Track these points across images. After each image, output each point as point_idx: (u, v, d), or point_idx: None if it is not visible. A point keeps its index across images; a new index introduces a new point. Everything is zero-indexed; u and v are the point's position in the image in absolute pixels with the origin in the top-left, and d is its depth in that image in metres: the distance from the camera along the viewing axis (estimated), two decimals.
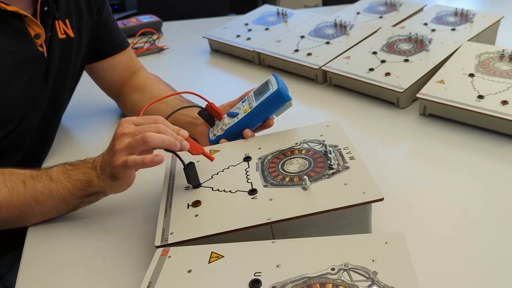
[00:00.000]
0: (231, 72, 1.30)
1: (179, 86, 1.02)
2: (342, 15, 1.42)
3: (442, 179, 0.75)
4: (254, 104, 0.74)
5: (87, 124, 1.04)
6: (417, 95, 0.92)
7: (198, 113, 0.80)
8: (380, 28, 1.21)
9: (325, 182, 0.60)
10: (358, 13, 1.42)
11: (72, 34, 0.86)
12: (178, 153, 0.64)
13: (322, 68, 1.11)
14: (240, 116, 0.75)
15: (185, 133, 0.66)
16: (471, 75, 0.93)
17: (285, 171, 0.64)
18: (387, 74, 1.00)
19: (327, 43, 1.20)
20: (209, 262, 0.51)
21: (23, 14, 0.75)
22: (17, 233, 0.71)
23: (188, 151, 0.65)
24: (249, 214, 0.58)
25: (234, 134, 0.76)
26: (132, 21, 1.63)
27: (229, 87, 1.20)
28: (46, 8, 0.79)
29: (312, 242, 0.51)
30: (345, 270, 0.46)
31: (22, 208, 0.67)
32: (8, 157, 0.83)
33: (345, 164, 0.63)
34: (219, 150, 0.72)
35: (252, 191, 0.61)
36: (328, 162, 0.63)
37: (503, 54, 0.97)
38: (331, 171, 0.62)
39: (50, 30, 0.81)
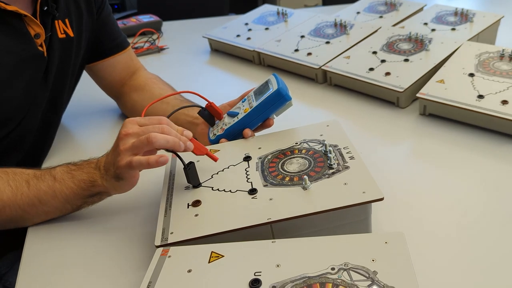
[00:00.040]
0: (231, 72, 1.30)
1: (179, 86, 1.02)
2: (342, 14, 1.42)
3: (442, 178, 0.75)
4: (254, 103, 0.74)
5: (87, 124, 1.04)
6: (417, 95, 0.92)
7: (198, 113, 0.80)
8: (380, 27, 1.20)
9: (325, 182, 0.60)
10: (358, 12, 1.42)
11: (71, 34, 0.86)
12: (179, 153, 0.64)
13: (322, 67, 1.11)
14: (240, 116, 0.75)
15: (189, 134, 0.66)
16: (471, 74, 0.93)
17: (285, 170, 0.64)
18: (387, 73, 1.00)
19: (327, 42, 1.20)
20: (209, 262, 0.51)
21: (23, 14, 0.75)
22: (17, 233, 0.71)
23: (192, 151, 0.65)
24: (249, 213, 0.58)
25: (234, 133, 0.76)
26: (132, 21, 1.63)
27: (229, 87, 1.20)
28: (45, 8, 0.79)
29: (312, 241, 0.51)
30: (345, 269, 0.46)
31: (25, 208, 0.67)
32: (8, 157, 0.83)
33: (345, 164, 0.63)
34: (219, 150, 0.72)
35: (252, 191, 0.61)
36: (328, 161, 0.63)
37: (503, 54, 0.97)
38: (331, 171, 0.62)
39: (50, 30, 0.81)
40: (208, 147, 0.73)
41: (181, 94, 0.91)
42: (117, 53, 0.99)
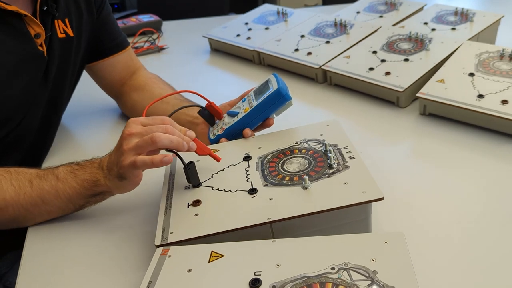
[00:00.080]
0: (231, 72, 1.30)
1: (179, 86, 1.02)
2: (342, 14, 1.42)
3: (442, 178, 0.75)
4: (254, 103, 0.74)
5: (87, 124, 1.04)
6: (417, 95, 0.92)
7: (198, 113, 0.80)
8: (380, 27, 1.20)
9: (325, 182, 0.60)
10: (358, 12, 1.42)
11: (71, 34, 0.86)
12: (179, 152, 0.64)
13: (322, 67, 1.11)
14: (240, 116, 0.76)
15: (192, 134, 0.66)
16: (471, 74, 0.93)
17: (285, 170, 0.64)
18: (387, 73, 1.00)
19: (327, 42, 1.20)
20: (209, 262, 0.51)
21: (23, 14, 0.75)
22: (17, 232, 0.71)
23: (195, 151, 0.65)
24: (249, 213, 0.58)
25: (234, 133, 0.76)
26: (132, 21, 1.63)
27: (229, 87, 1.20)
28: (45, 8, 0.79)
29: (312, 241, 0.51)
30: (345, 269, 0.46)
31: (28, 208, 0.67)
32: (8, 156, 0.83)
33: (345, 164, 0.63)
34: (219, 150, 0.72)
35: (252, 191, 0.61)
36: (328, 161, 0.63)
37: (503, 54, 0.97)
38: (331, 171, 0.62)
39: (50, 30, 0.81)
40: (208, 147, 0.73)
41: (181, 93, 0.91)
42: (117, 52, 0.99)
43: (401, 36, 1.13)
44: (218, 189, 0.64)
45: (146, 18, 1.66)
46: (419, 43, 1.08)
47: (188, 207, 0.61)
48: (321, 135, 0.71)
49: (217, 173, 0.67)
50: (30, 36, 0.77)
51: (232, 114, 0.77)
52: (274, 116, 0.76)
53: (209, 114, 0.80)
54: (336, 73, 1.07)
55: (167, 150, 0.63)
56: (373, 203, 0.57)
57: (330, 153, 0.64)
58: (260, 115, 0.75)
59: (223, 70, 1.32)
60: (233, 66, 1.32)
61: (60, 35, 0.84)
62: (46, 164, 0.89)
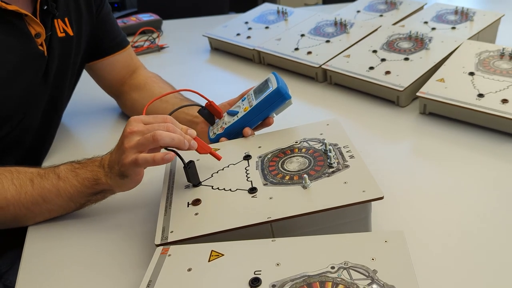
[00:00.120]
0: (231, 71, 1.30)
1: (179, 85, 1.02)
2: (342, 13, 1.42)
3: (442, 177, 0.75)
4: (254, 102, 0.74)
5: (87, 123, 1.04)
6: (417, 94, 0.92)
7: (198, 112, 0.80)
8: (380, 26, 1.20)
9: (325, 181, 0.60)
10: (358, 11, 1.42)
11: (71, 33, 0.86)
12: (179, 151, 0.64)
13: (322, 66, 1.11)
14: (240, 115, 0.75)
15: (193, 132, 0.66)
16: (471, 73, 0.93)
17: (285, 169, 0.64)
18: (387, 72, 1.00)
19: (327, 41, 1.20)
20: (209, 261, 0.51)
21: (23, 13, 0.75)
22: (18, 231, 0.71)
23: (196, 150, 0.65)
24: (249, 212, 0.58)
25: (234, 132, 0.76)
26: (132, 20, 1.63)
27: (229, 86, 1.20)
28: (45, 7, 0.79)
29: (312, 240, 0.51)
30: (344, 268, 0.46)
31: (29, 206, 0.67)
32: (8, 155, 0.83)
33: (345, 163, 0.63)
34: (219, 149, 0.72)
35: (252, 190, 0.61)
36: (328, 160, 0.63)
37: (503, 53, 0.97)
38: (331, 170, 0.62)
39: (50, 29, 0.81)
40: (209, 146, 0.73)
41: (181, 92, 0.91)
42: (117, 51, 0.99)
43: (401, 35, 1.13)
44: (218, 188, 0.64)
45: (146, 17, 1.66)
46: (419, 42, 1.08)
47: (188, 206, 0.61)
48: (321, 134, 0.71)
49: (217, 172, 0.67)
50: (31, 35, 0.77)
51: (232, 113, 0.77)
52: (274, 115, 0.76)
53: (209, 113, 0.80)
54: (336, 72, 1.07)
55: (167, 148, 0.63)
56: (373, 202, 0.57)
57: (330, 152, 0.64)
58: (260, 114, 0.75)
59: (223, 69, 1.32)
60: (233, 65, 1.32)
61: (60, 34, 0.84)
62: (47, 163, 0.89)
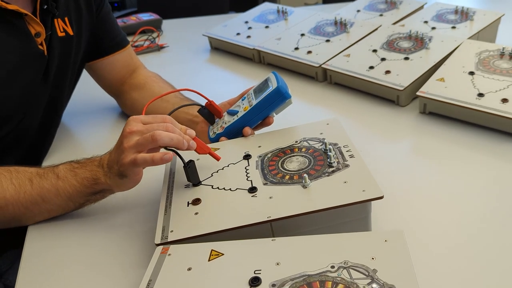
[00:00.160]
0: (231, 70, 1.30)
1: (179, 84, 1.02)
2: (342, 13, 1.42)
3: (442, 177, 0.75)
4: (254, 102, 0.74)
5: (87, 122, 1.04)
6: (417, 93, 0.92)
7: (198, 111, 0.80)
8: (380, 26, 1.20)
9: (325, 180, 0.60)
10: (358, 11, 1.42)
11: (71, 32, 0.86)
12: (179, 151, 0.64)
13: (322, 66, 1.11)
14: (240, 114, 0.75)
15: (192, 133, 0.66)
16: (471, 73, 0.93)
17: (285, 169, 0.64)
18: (387, 72, 1.00)
19: (327, 41, 1.19)
20: (209, 260, 0.51)
21: (23, 13, 0.75)
22: (18, 231, 0.71)
23: (195, 150, 0.66)
24: (249, 212, 0.58)
25: (234, 132, 0.76)
26: (132, 19, 1.63)
27: (229, 85, 1.20)
28: (45, 7, 0.79)
29: (311, 240, 0.51)
30: (344, 268, 0.46)
31: (28, 206, 0.67)
32: (8, 155, 0.83)
33: (345, 162, 0.63)
34: (219, 148, 0.72)
35: (252, 189, 0.61)
36: (328, 160, 0.63)
37: (503, 52, 0.96)
38: (331, 169, 0.62)
39: (50, 29, 0.81)
40: (208, 146, 0.73)
41: (181, 92, 0.91)
42: (117, 51, 0.99)
43: (401, 35, 1.13)
44: (218, 187, 0.64)
45: (146, 16, 1.66)
46: (419, 42, 1.08)
47: (188, 205, 0.61)
48: (321, 133, 0.71)
49: (217, 171, 0.67)
50: (31, 35, 0.77)
51: (232, 113, 0.77)
52: (274, 114, 0.76)
53: (209, 112, 0.80)
54: (336, 72, 1.07)
55: (167, 148, 0.63)
56: (373, 202, 0.57)
57: (330, 151, 0.64)
58: (260, 114, 0.75)
59: (223, 69, 1.32)
60: (233, 65, 1.32)
61: (60, 34, 0.84)
62: (47, 162, 0.89)
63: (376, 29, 1.19)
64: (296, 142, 0.70)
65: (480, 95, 0.86)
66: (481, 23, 1.19)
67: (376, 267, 0.46)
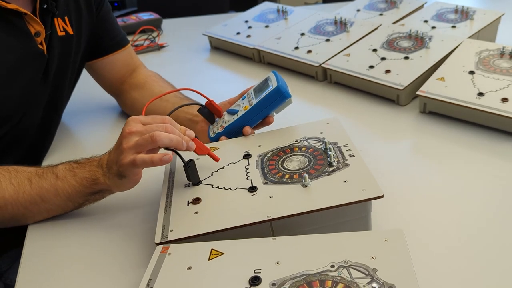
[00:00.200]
0: (231, 70, 1.30)
1: (179, 84, 1.02)
2: (342, 12, 1.42)
3: (442, 176, 0.75)
4: (254, 101, 0.74)
5: (87, 122, 1.04)
6: (417, 93, 0.92)
7: (198, 111, 0.80)
8: (380, 25, 1.20)
9: (325, 180, 0.60)
10: (358, 10, 1.42)
11: (71, 32, 0.86)
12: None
13: (322, 65, 1.11)
14: (240, 114, 0.75)
15: (192, 133, 0.66)
16: (471, 72, 0.93)
17: (285, 168, 0.64)
18: (387, 71, 1.00)
19: (327, 40, 1.19)
20: (209, 259, 0.51)
21: (23, 12, 0.75)
22: (18, 230, 0.71)
23: (194, 151, 0.66)
24: (249, 211, 0.58)
25: (234, 131, 0.76)
26: (132, 19, 1.63)
27: (229, 85, 1.20)
28: (45, 6, 0.79)
29: (311, 239, 0.51)
30: (344, 267, 0.46)
31: (27, 206, 0.67)
32: (8, 154, 0.83)
33: (345, 162, 0.63)
34: (219, 148, 0.72)
35: (252, 189, 0.61)
36: (328, 159, 0.63)
37: (504, 52, 0.96)
38: (331, 169, 0.62)
39: (50, 28, 0.81)
40: (208, 145, 0.73)
41: (181, 91, 0.91)
42: (117, 50, 0.99)
43: (401, 34, 1.13)
44: (218, 187, 0.64)
45: (146, 16, 1.66)
46: (419, 41, 1.08)
47: (188, 205, 0.61)
48: (321, 133, 0.71)
49: (217, 171, 0.67)
50: (30, 34, 0.77)
51: (232, 112, 0.77)
52: (274, 114, 0.76)
53: (209, 112, 0.80)
54: (336, 71, 1.07)
55: (166, 148, 0.63)
56: (372, 201, 0.57)
57: (330, 151, 0.64)
58: (260, 113, 0.75)
59: (223, 68, 1.32)
60: (233, 64, 1.32)
61: (60, 33, 0.84)
62: (47, 162, 0.89)
63: (376, 28, 1.19)
64: (296, 141, 0.70)
65: (480, 94, 0.86)
66: (481, 23, 1.19)
67: (376, 266, 0.46)
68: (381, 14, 1.37)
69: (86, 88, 1.07)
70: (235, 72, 1.28)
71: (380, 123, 0.93)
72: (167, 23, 1.71)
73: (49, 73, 0.83)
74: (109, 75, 1.01)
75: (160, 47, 1.48)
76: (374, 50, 1.09)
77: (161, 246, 0.56)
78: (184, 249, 0.54)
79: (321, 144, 0.68)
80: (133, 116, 0.65)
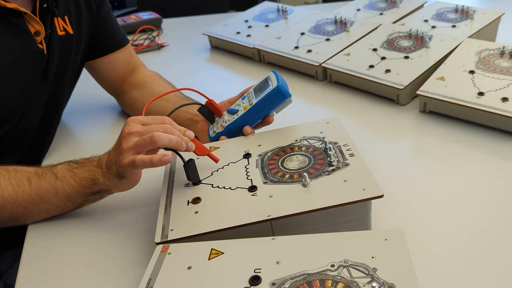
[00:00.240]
0: (231, 69, 1.30)
1: (179, 83, 1.02)
2: (342, 11, 1.42)
3: (442, 176, 0.75)
4: (254, 101, 0.74)
5: (87, 121, 1.04)
6: (417, 92, 0.92)
7: (198, 110, 0.80)
8: (380, 25, 1.20)
9: (325, 179, 0.60)
10: (358, 9, 1.42)
11: (71, 31, 0.86)
12: None
13: (322, 65, 1.10)
14: (240, 113, 0.75)
15: (191, 134, 0.66)
16: (472, 72, 0.93)
17: (285, 168, 0.64)
18: (387, 71, 1.00)
19: (327, 40, 1.19)
20: (209, 259, 0.51)
21: (23, 11, 0.75)
22: (18, 230, 0.71)
23: (194, 152, 0.65)
24: (249, 211, 0.58)
25: (234, 131, 0.76)
26: (132, 18, 1.63)
27: (229, 84, 1.20)
28: (45, 5, 0.79)
29: (311, 238, 0.51)
30: (344, 266, 0.46)
31: (26, 206, 0.67)
32: (8, 154, 0.83)
33: (345, 161, 0.63)
34: (219, 147, 0.72)
35: (252, 188, 0.61)
36: (328, 159, 0.63)
37: (504, 51, 0.96)
38: (331, 168, 0.62)
39: (50, 27, 0.81)
40: (208, 145, 0.73)
41: (181, 91, 0.91)
42: (117, 50, 0.99)
43: (401, 34, 1.13)
44: (218, 186, 0.64)
45: (146, 15, 1.66)
46: (419, 41, 1.08)
47: (188, 204, 0.61)
48: (321, 132, 0.71)
49: (217, 170, 0.67)
50: (30, 34, 0.77)
51: (232, 112, 0.77)
52: (274, 113, 0.76)
53: (209, 111, 0.80)
54: (336, 71, 1.07)
55: (166, 149, 0.63)
56: (373, 201, 0.57)
57: (330, 150, 0.64)
58: (260, 113, 0.75)
59: (223, 68, 1.32)
60: (233, 64, 1.32)
61: (60, 33, 0.84)
62: (47, 161, 0.89)
63: (376, 28, 1.19)
64: (296, 141, 0.70)
65: (480, 94, 0.86)
66: (481, 22, 1.19)
67: (376, 266, 0.46)
68: (381, 14, 1.37)
69: (86, 88, 1.07)
70: (235, 71, 1.28)
71: (380, 123, 0.93)
72: (167, 23, 1.71)
73: (49, 72, 0.83)
74: (109, 75, 1.01)
75: (160, 46, 1.48)
76: (374, 49, 1.09)
77: (161, 245, 0.55)
78: (184, 248, 0.54)
79: (321, 144, 0.68)
80: (133, 117, 0.65)
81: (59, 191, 0.67)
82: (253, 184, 0.62)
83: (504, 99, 0.84)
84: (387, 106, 0.98)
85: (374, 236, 0.51)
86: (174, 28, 1.68)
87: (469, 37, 1.10)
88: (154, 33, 1.54)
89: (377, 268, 0.45)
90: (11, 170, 0.68)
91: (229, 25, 1.44)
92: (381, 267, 0.46)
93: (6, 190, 0.66)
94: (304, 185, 0.60)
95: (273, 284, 0.46)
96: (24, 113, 0.82)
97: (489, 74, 0.91)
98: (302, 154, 0.67)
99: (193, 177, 0.65)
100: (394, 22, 1.29)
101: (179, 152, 0.64)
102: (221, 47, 1.43)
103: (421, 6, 1.38)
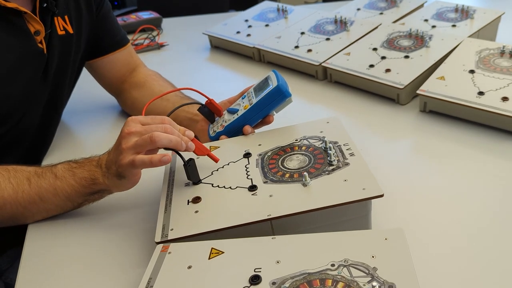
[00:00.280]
0: (231, 69, 1.30)
1: (179, 83, 1.02)
2: (342, 11, 1.42)
3: (442, 175, 0.75)
4: (254, 100, 0.74)
5: (87, 121, 1.04)
6: (418, 92, 0.92)
7: (198, 110, 0.80)
8: (380, 24, 1.20)
9: (325, 179, 0.60)
10: (358, 9, 1.42)
11: (71, 31, 0.86)
12: None
13: (322, 64, 1.10)
14: (240, 113, 0.75)
15: (191, 134, 0.66)
16: (472, 71, 0.93)
17: (285, 167, 0.64)
18: (387, 70, 1.00)
19: (327, 39, 1.19)
20: (209, 258, 0.51)
21: (23, 11, 0.75)
22: (18, 230, 0.71)
23: (193, 152, 0.65)
24: (249, 210, 0.58)
25: (234, 130, 0.76)
26: (132, 18, 1.63)
27: (229, 84, 1.20)
28: (45, 5, 0.79)
29: (312, 238, 0.51)
30: (345, 266, 0.46)
31: (26, 205, 0.67)
32: (8, 153, 0.83)
33: (345, 161, 0.63)
34: (219, 147, 0.72)
35: (252, 187, 0.61)
36: (328, 158, 0.63)
37: (504, 51, 0.96)
38: (331, 168, 0.62)
39: (50, 27, 0.81)
40: (208, 144, 0.73)
41: (181, 90, 0.91)
42: (117, 49, 0.99)
43: (401, 33, 1.13)
44: (218, 186, 0.64)
45: (146, 15, 1.66)
46: (419, 40, 1.08)
47: (188, 204, 0.61)
48: (321, 132, 0.71)
49: (217, 170, 0.67)
50: (30, 33, 0.77)
51: (232, 111, 0.77)
52: (274, 113, 0.76)
53: (209, 111, 0.80)
54: (336, 70, 1.07)
55: (166, 149, 0.63)
56: (373, 200, 0.57)
57: (330, 150, 0.64)
58: (260, 112, 0.75)
59: (223, 67, 1.32)
60: (233, 63, 1.32)
61: (60, 32, 0.84)
62: (47, 161, 0.89)
63: (376, 27, 1.19)
64: (296, 140, 0.70)
65: (480, 93, 0.86)
66: (481, 22, 1.19)
67: (376, 265, 0.46)
68: (381, 13, 1.37)
69: (86, 88, 1.07)
70: (235, 71, 1.28)
71: (380, 122, 0.93)
72: (167, 22, 1.71)
73: (49, 72, 0.83)
74: (109, 74, 1.01)
75: (160, 46, 1.48)
76: (374, 49, 1.09)
77: (161, 245, 0.55)
78: (184, 248, 0.54)
79: (321, 143, 0.68)
80: (133, 117, 0.65)
81: (59, 190, 0.67)
82: (253, 183, 0.62)
83: (504, 99, 0.83)
84: (387, 106, 0.98)
85: (374, 235, 0.51)
86: (174, 28, 1.68)
87: (469, 36, 1.10)
88: (154, 33, 1.54)
89: (377, 268, 0.46)
90: (10, 170, 0.68)
91: (229, 24, 1.44)
92: (381, 266, 0.46)
93: (6, 190, 0.66)
94: (304, 185, 0.60)
95: (273, 283, 0.46)
96: (24, 113, 0.82)
97: (489, 73, 0.91)
98: (302, 154, 0.67)
99: (193, 177, 0.65)
100: (394, 22, 1.29)
101: (179, 152, 0.64)
102: (221, 47, 1.43)
103: (421, 6, 1.38)
